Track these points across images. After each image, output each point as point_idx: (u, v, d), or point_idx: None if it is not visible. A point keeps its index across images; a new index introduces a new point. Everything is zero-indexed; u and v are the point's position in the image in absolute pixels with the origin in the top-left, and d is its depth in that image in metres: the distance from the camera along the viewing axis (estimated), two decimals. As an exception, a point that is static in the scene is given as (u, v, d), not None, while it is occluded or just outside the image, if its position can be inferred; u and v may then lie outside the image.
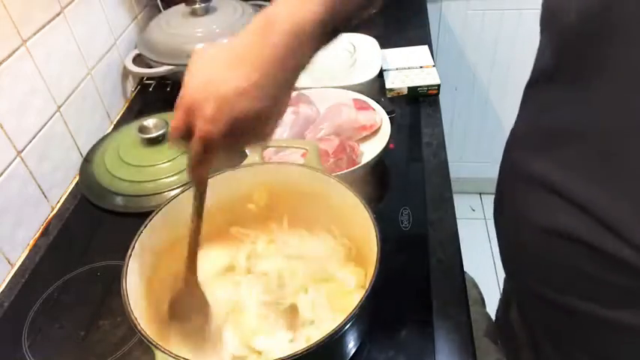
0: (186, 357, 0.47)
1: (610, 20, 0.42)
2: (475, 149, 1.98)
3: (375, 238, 0.56)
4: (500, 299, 0.86)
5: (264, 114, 0.45)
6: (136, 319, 0.50)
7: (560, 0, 0.48)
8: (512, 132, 0.65)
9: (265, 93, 0.44)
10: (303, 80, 0.49)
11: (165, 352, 0.47)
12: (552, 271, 0.55)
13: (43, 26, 0.85)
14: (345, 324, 0.50)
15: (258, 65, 0.43)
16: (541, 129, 0.56)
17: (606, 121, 0.46)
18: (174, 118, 0.47)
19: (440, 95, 1.06)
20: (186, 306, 0.59)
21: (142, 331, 0.49)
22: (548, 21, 0.52)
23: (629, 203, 0.45)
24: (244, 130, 0.45)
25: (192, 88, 0.45)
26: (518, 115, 0.64)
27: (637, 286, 0.47)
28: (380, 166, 0.87)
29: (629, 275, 0.47)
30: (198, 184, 0.52)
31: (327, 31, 0.47)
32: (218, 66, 0.45)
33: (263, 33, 0.44)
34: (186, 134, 0.46)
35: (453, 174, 0.88)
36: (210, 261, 0.69)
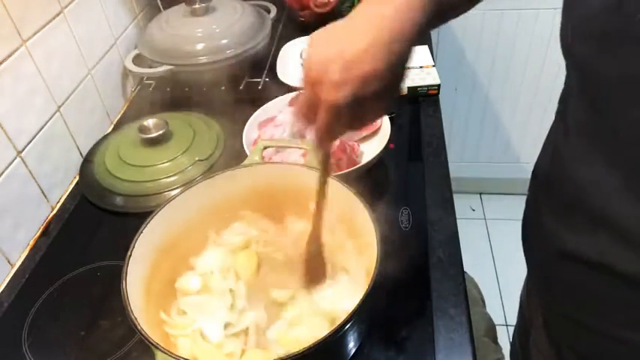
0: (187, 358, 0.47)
1: None
2: (475, 149, 1.98)
3: (375, 238, 0.56)
4: (517, 326, 0.84)
5: (388, 76, 0.45)
6: (135, 319, 0.50)
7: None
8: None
9: (387, 52, 0.44)
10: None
11: (165, 352, 0.47)
12: (598, 301, 0.53)
13: (43, 26, 0.85)
14: (345, 324, 0.50)
15: (377, 27, 0.44)
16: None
17: None
18: (302, 94, 0.47)
19: (440, 95, 1.06)
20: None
21: (142, 331, 0.49)
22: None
23: None
24: (370, 94, 0.44)
25: (315, 61, 0.45)
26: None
27: None
28: (380, 166, 0.87)
29: None
30: (326, 156, 0.53)
31: (435, 8, 0.48)
32: (338, 35, 0.46)
33: (378, 3, 0.46)
34: (313, 109, 0.46)
35: (453, 174, 0.88)
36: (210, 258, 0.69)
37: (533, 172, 0.65)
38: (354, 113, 0.46)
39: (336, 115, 0.45)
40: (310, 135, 0.54)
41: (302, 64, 0.47)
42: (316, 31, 0.47)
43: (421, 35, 0.47)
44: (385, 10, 0.45)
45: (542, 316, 0.70)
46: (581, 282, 0.53)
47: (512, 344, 0.90)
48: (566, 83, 0.56)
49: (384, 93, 0.45)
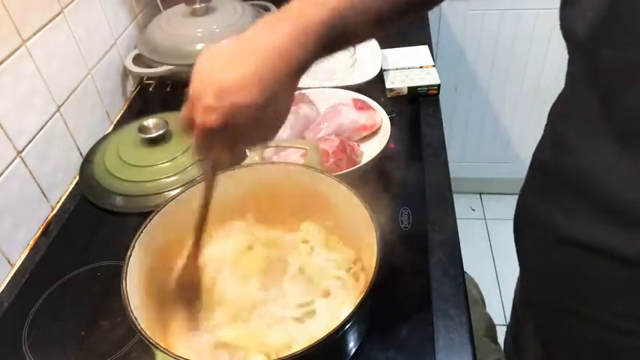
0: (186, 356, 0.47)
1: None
2: (475, 149, 1.98)
3: (374, 238, 0.56)
4: (511, 321, 0.84)
5: (263, 109, 0.45)
6: (135, 318, 0.51)
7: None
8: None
9: (265, 87, 0.44)
10: (303, 80, 0.49)
11: (165, 352, 0.47)
12: (596, 288, 0.53)
13: (43, 26, 0.85)
14: (345, 323, 0.50)
15: (262, 57, 0.44)
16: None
17: None
18: (184, 106, 0.48)
19: (440, 95, 1.06)
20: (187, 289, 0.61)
21: (142, 331, 0.49)
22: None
23: None
24: (242, 123, 0.45)
25: (197, 80, 0.46)
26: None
27: None
28: (380, 166, 0.87)
29: None
30: (204, 175, 0.54)
31: (334, 34, 0.47)
32: (223, 58, 0.46)
33: (271, 27, 0.46)
34: (190, 124, 0.47)
35: (453, 174, 0.88)
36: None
37: (532, 159, 0.65)
38: (226, 138, 0.47)
39: (207, 137, 0.46)
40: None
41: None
42: (211, 45, 0.48)
43: (309, 66, 0.48)
44: (273, 40, 0.45)
45: (533, 322, 0.70)
46: (580, 268, 0.53)
47: (505, 342, 0.90)
48: (569, 72, 0.55)
49: (255, 124, 0.46)
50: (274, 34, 0.45)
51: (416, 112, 1.02)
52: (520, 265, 0.68)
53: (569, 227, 0.52)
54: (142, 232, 0.60)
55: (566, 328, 0.60)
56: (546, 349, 0.67)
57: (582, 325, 0.56)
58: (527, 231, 0.63)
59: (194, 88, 0.46)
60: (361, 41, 0.54)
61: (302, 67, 0.47)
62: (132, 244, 0.58)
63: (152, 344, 0.48)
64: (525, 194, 0.65)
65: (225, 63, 0.45)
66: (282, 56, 0.45)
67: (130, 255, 0.57)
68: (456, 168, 1.42)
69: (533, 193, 0.62)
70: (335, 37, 0.48)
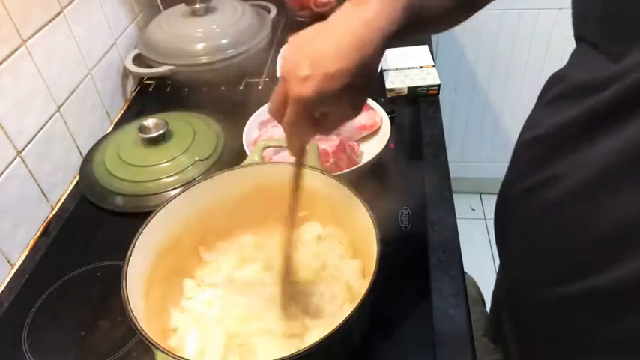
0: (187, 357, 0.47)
1: None
2: (475, 149, 1.98)
3: (374, 238, 0.56)
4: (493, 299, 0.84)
5: (355, 77, 0.46)
6: (136, 318, 0.51)
7: None
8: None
9: (356, 55, 0.46)
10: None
11: (165, 352, 0.47)
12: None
13: (43, 26, 0.85)
14: (345, 323, 0.50)
15: (352, 29, 0.47)
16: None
17: None
18: (275, 91, 0.50)
19: (440, 95, 1.06)
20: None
21: (142, 331, 0.49)
22: None
23: None
24: (336, 92, 0.46)
25: (288, 58, 0.48)
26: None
27: None
28: (380, 166, 0.87)
29: None
30: (296, 154, 0.55)
31: (413, 13, 0.50)
32: (312, 35, 0.49)
33: (357, 5, 0.49)
34: (283, 104, 0.48)
35: (453, 174, 0.88)
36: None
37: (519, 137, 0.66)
38: (321, 108, 0.48)
39: (302, 109, 0.47)
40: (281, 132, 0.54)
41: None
42: (296, 34, 0.50)
43: (391, 41, 0.50)
44: (361, 14, 0.48)
45: (512, 320, 0.70)
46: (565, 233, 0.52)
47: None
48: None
49: (348, 92, 0.47)
50: (361, 10, 0.48)
51: (416, 112, 1.02)
52: (501, 260, 0.68)
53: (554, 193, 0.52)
54: (142, 232, 0.60)
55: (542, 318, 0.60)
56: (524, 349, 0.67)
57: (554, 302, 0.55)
58: (513, 206, 0.63)
59: (286, 65, 0.48)
60: (438, 30, 0.62)
61: (386, 39, 0.49)
62: (132, 244, 0.58)
63: (152, 344, 0.48)
64: (511, 172, 0.65)
65: (316, 38, 0.48)
66: (371, 28, 0.47)
67: (130, 255, 0.57)
68: (456, 168, 1.42)
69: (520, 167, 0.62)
70: (415, 22, 0.51)
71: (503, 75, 1.78)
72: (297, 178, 0.57)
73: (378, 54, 0.49)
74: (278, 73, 0.51)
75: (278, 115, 0.50)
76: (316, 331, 0.59)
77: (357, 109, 0.51)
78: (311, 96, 0.46)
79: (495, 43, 1.71)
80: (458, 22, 0.63)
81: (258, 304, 0.64)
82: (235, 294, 0.66)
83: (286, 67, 0.48)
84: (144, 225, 0.61)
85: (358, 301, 0.51)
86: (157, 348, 0.48)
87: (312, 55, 0.46)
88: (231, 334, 0.61)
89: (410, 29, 0.52)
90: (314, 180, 0.66)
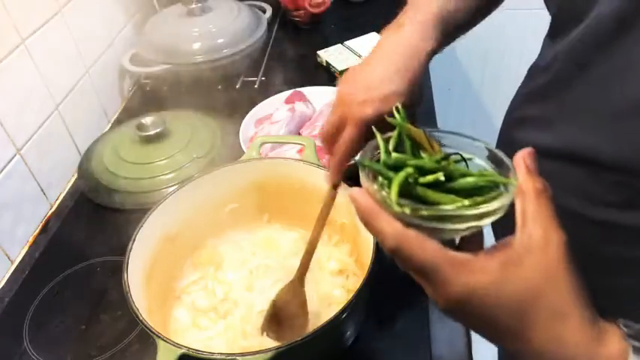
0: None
1: None
2: (469, 148, 1.99)
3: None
4: None
5: (403, 97, 0.51)
6: (137, 309, 0.51)
7: None
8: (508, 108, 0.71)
9: (403, 76, 0.52)
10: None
11: (167, 341, 0.48)
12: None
13: (42, 25, 0.86)
14: (342, 313, 0.51)
15: (396, 55, 0.53)
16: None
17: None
18: (329, 115, 0.55)
19: (434, 95, 1.07)
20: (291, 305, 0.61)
21: (144, 321, 0.50)
22: None
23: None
24: (389, 112, 0.48)
25: (343, 89, 0.53)
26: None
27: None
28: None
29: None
30: (341, 171, 0.55)
31: (446, 24, 0.56)
32: (364, 65, 0.55)
33: (396, 29, 0.55)
34: (339, 129, 0.52)
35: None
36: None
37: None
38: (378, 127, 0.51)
39: (362, 129, 0.50)
40: (327, 156, 0.57)
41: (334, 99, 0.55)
42: (350, 68, 0.56)
43: (435, 53, 0.56)
44: (399, 39, 0.54)
45: None
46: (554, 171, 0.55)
47: None
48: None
49: (404, 108, 0.50)
50: (400, 35, 0.54)
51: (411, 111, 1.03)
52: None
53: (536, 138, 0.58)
54: (141, 227, 0.61)
55: None
56: None
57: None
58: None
59: (342, 93, 0.53)
60: (464, 32, 0.65)
61: (427, 56, 0.54)
62: (132, 237, 0.59)
63: (154, 333, 0.49)
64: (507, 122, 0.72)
65: (368, 67, 0.54)
66: (412, 49, 0.53)
67: (131, 248, 0.58)
68: (450, 166, 1.43)
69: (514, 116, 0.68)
70: (445, 36, 0.56)
71: (495, 75, 1.80)
72: (331, 200, 0.57)
73: (422, 71, 0.53)
74: (334, 104, 0.55)
75: (330, 134, 0.54)
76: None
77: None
78: (371, 116, 0.50)
79: (488, 43, 1.73)
80: (478, 22, 0.69)
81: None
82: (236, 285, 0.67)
83: (343, 96, 0.53)
84: (143, 220, 0.62)
85: (355, 292, 0.52)
86: (159, 337, 0.49)
87: (366, 82, 0.52)
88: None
89: (447, 39, 0.57)
90: (311, 174, 0.67)
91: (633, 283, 0.53)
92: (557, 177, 0.53)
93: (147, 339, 0.54)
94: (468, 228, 0.36)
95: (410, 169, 0.36)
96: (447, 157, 0.39)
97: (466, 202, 0.35)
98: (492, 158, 0.41)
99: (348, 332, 0.60)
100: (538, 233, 0.35)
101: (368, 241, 0.57)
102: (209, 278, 0.69)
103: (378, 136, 0.42)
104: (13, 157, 0.79)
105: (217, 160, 0.91)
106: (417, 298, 0.68)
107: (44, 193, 0.87)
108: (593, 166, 0.51)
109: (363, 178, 0.38)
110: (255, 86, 1.12)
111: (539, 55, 0.65)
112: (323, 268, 0.69)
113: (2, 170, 0.77)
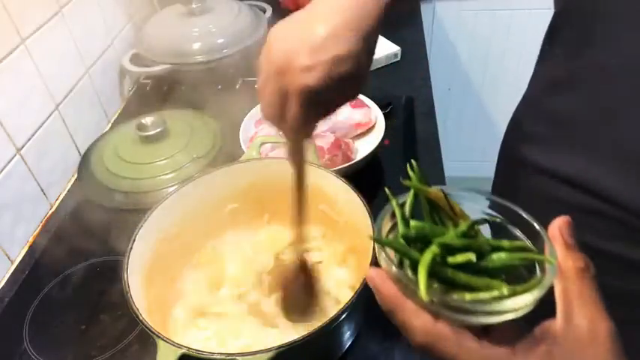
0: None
1: None
2: (468, 149, 2.00)
3: (370, 229, 0.57)
4: None
5: (361, 56, 0.43)
6: (137, 309, 0.52)
7: None
8: (513, 118, 0.69)
9: (359, 33, 0.42)
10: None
11: (166, 341, 0.48)
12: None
13: (42, 25, 0.86)
14: (342, 313, 0.51)
15: (347, 8, 0.42)
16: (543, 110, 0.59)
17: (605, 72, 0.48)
18: (263, 92, 0.44)
19: (433, 95, 1.07)
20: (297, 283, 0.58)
21: (144, 321, 0.50)
22: None
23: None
24: (344, 75, 0.42)
25: (277, 50, 0.43)
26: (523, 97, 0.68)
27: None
28: (375, 163, 0.89)
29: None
30: (301, 151, 0.48)
31: None
32: (300, 25, 0.43)
33: None
34: (282, 100, 0.43)
35: (446, 172, 0.90)
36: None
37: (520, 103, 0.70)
38: (327, 98, 0.43)
39: (310, 101, 0.42)
40: (281, 132, 0.47)
41: (260, 58, 0.44)
42: (275, 25, 0.45)
43: (389, 10, 0.46)
44: None
45: None
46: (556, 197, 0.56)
47: None
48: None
49: (357, 73, 0.43)
50: None
51: (410, 110, 1.04)
52: None
53: (543, 159, 0.57)
54: (141, 227, 0.61)
55: None
56: None
57: None
58: (506, 169, 0.66)
59: (276, 58, 0.42)
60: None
61: (379, 17, 0.45)
62: (132, 237, 0.59)
63: (154, 333, 0.49)
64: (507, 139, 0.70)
65: (304, 27, 0.42)
66: (366, 4, 0.43)
67: (131, 248, 0.58)
68: (449, 167, 1.43)
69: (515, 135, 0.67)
70: None
71: (495, 74, 1.80)
72: (302, 176, 0.52)
73: (378, 27, 0.44)
74: (262, 69, 0.44)
75: (276, 115, 0.45)
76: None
77: (359, 88, 0.47)
78: (319, 85, 0.41)
79: (488, 43, 1.73)
80: None
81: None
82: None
83: (279, 59, 0.42)
84: (143, 221, 0.62)
85: (353, 292, 0.52)
86: (159, 337, 0.49)
87: (312, 41, 0.41)
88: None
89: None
90: (310, 174, 0.67)
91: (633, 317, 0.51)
92: (563, 200, 0.53)
93: (147, 339, 0.54)
94: (503, 322, 0.32)
95: (435, 248, 0.32)
96: (472, 225, 0.35)
97: (505, 290, 0.32)
98: (521, 222, 0.36)
99: (348, 332, 0.60)
100: (583, 324, 0.31)
101: (368, 241, 0.57)
102: (209, 278, 0.69)
103: (394, 202, 0.38)
104: (13, 157, 0.79)
105: (217, 160, 0.91)
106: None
107: (44, 193, 0.87)
108: (597, 198, 0.51)
109: (381, 257, 0.34)
110: (256, 86, 1.12)
111: (540, 56, 0.64)
112: (323, 267, 0.69)
113: (2, 170, 0.77)
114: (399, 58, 1.19)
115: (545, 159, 0.58)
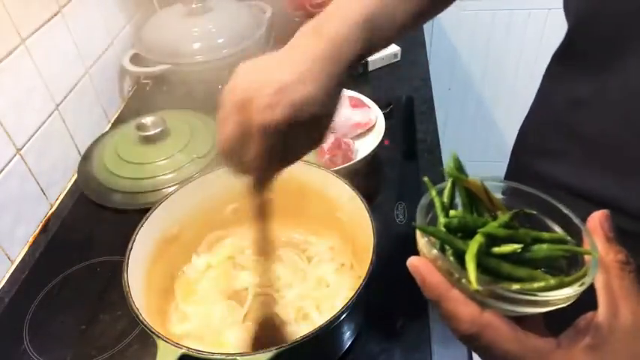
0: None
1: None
2: (468, 148, 2.00)
3: (371, 230, 0.57)
4: None
5: (324, 104, 0.43)
6: (137, 309, 0.51)
7: None
8: (521, 131, 0.69)
9: (324, 82, 0.42)
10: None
11: (167, 341, 0.48)
12: None
13: (42, 25, 0.86)
14: (342, 314, 0.51)
15: (315, 56, 0.43)
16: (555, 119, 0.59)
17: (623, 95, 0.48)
18: (222, 127, 0.43)
19: (434, 95, 1.07)
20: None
21: (144, 321, 0.50)
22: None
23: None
24: (305, 120, 0.42)
25: (241, 86, 0.43)
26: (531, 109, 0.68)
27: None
28: (375, 163, 0.89)
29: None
30: (263, 194, 0.48)
31: (373, 33, 0.47)
32: (268, 65, 0.44)
33: (312, 32, 0.45)
34: (243, 138, 0.42)
35: (446, 172, 0.89)
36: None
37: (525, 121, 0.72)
38: (289, 140, 0.43)
39: (272, 140, 0.41)
40: (240, 175, 0.46)
41: (223, 93, 0.44)
42: (242, 63, 0.45)
43: (356, 63, 0.46)
44: (320, 42, 0.44)
45: None
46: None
47: None
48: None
49: (316, 122, 0.44)
50: (321, 37, 0.44)
51: (410, 110, 1.04)
52: None
53: (558, 174, 0.57)
54: (141, 227, 0.61)
55: None
56: None
57: None
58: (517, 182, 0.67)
59: (239, 93, 0.42)
60: (388, 44, 0.53)
61: (352, 63, 0.45)
62: (132, 239, 0.59)
63: (154, 333, 0.49)
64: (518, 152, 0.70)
65: (277, 65, 0.43)
66: (334, 54, 0.43)
67: (131, 248, 0.58)
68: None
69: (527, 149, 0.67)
70: (374, 36, 0.47)
71: (496, 74, 1.80)
72: (264, 214, 0.51)
73: (342, 83, 0.45)
74: (224, 103, 0.44)
75: (234, 150, 0.44)
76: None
77: (323, 134, 0.46)
78: (281, 124, 0.40)
79: (488, 43, 1.73)
80: (419, 25, 0.60)
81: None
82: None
83: (243, 94, 0.42)
84: (143, 220, 0.62)
85: (354, 293, 0.52)
86: (159, 337, 0.49)
87: (277, 82, 0.41)
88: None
89: (378, 42, 0.48)
90: (310, 174, 0.67)
91: None
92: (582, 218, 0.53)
93: (147, 339, 0.54)
94: (544, 312, 0.32)
95: (481, 238, 0.33)
96: (513, 216, 0.35)
97: (552, 281, 0.32)
98: (557, 215, 0.36)
99: (348, 332, 0.60)
100: (630, 318, 0.31)
101: (368, 240, 0.57)
102: (209, 278, 0.69)
103: (433, 192, 0.38)
104: (13, 157, 0.79)
105: (217, 160, 0.91)
106: (416, 297, 0.68)
107: (44, 193, 0.87)
108: (624, 216, 0.51)
109: (423, 245, 0.34)
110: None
111: (553, 71, 0.64)
112: (323, 266, 0.69)
113: (2, 170, 0.77)
114: (398, 58, 1.19)
115: (565, 174, 0.58)
